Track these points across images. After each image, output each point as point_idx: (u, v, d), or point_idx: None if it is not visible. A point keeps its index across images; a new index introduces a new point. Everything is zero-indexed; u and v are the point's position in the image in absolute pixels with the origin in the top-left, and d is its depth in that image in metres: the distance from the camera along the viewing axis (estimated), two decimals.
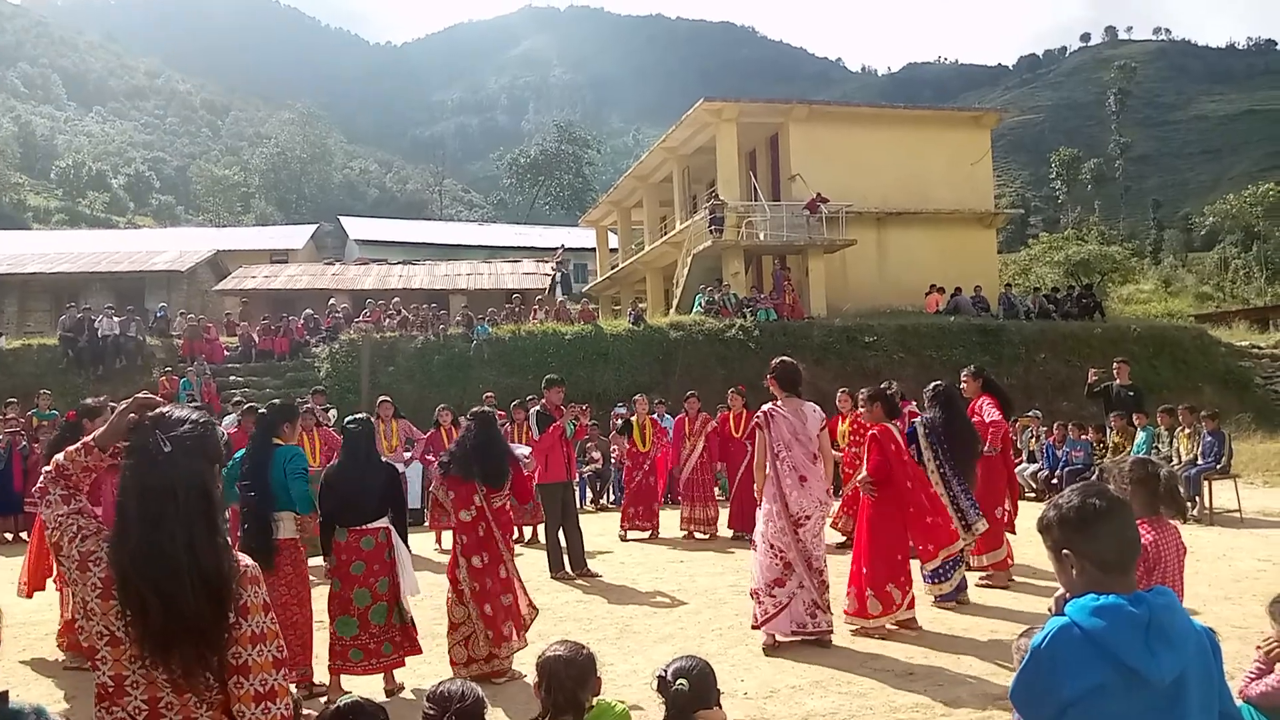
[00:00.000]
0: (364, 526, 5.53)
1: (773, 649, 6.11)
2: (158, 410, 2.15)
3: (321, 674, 5.66)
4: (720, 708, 3.10)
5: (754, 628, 6.31)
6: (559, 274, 25.32)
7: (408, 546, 5.71)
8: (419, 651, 5.68)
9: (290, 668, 5.34)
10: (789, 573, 6.17)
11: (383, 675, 5.56)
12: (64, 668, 6.16)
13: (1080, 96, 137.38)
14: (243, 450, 5.89)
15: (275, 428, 5.77)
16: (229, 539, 2.13)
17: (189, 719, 2.02)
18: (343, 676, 5.50)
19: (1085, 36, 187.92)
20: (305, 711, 2.38)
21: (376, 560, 5.51)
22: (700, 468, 11.64)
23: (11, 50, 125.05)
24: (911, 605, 6.56)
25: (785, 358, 6.63)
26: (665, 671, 3.05)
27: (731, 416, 11.74)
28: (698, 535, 11.38)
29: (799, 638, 6.17)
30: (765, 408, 6.45)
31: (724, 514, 11.67)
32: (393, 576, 5.52)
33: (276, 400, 6.08)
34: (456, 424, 11.95)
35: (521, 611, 5.87)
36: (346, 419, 5.98)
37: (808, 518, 6.19)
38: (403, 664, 5.60)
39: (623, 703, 3.25)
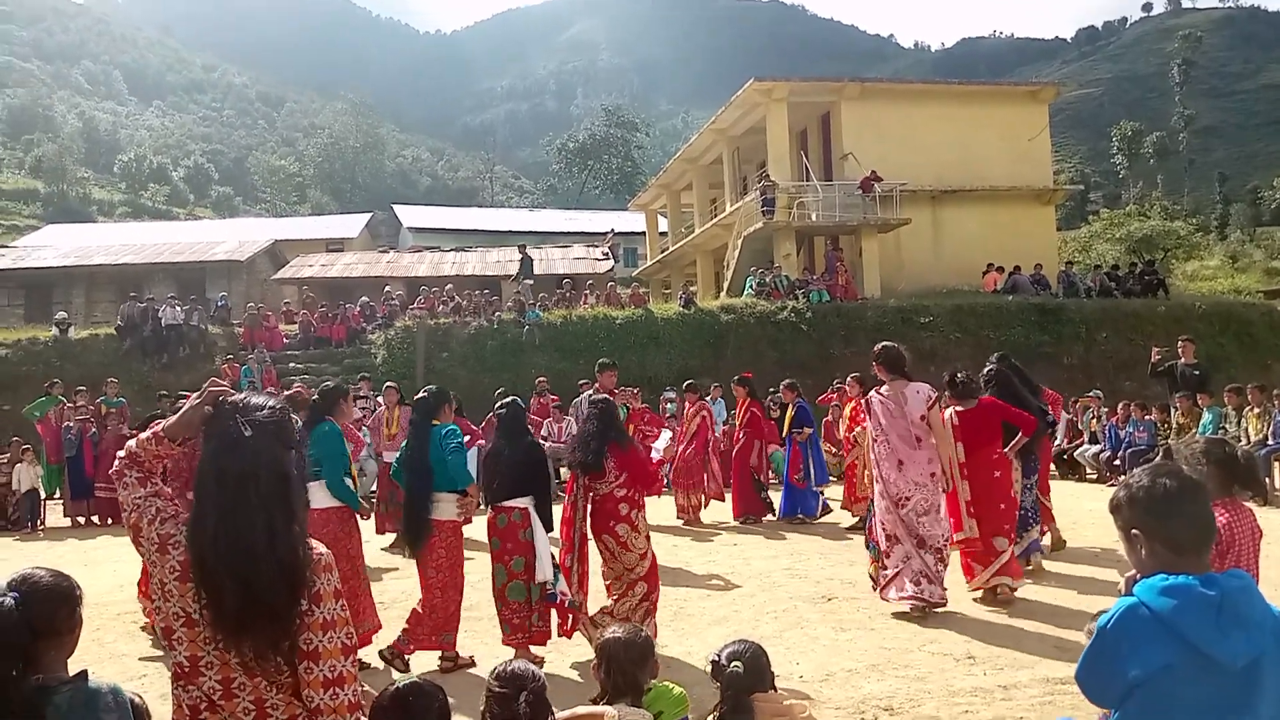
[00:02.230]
0: (500, 504, 5.72)
1: (899, 615, 6.36)
2: (238, 396, 2.18)
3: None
4: (775, 691, 3.08)
5: (876, 591, 6.67)
6: (522, 256, 25.16)
7: (548, 530, 5.80)
8: (549, 635, 5.71)
9: (437, 647, 5.49)
10: (893, 545, 6.44)
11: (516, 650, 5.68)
12: (155, 646, 6.29)
13: (1141, 68, 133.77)
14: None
15: (435, 410, 5.95)
16: (305, 526, 2.15)
17: (260, 700, 2.05)
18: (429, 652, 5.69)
19: (1147, 6, 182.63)
20: (365, 688, 2.42)
21: (510, 539, 5.67)
22: (690, 456, 11.51)
23: (75, 49, 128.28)
24: (1006, 573, 6.71)
25: (887, 342, 6.88)
26: (719, 655, 3.04)
27: (738, 405, 11.65)
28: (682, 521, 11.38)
29: (908, 604, 6.35)
30: (869, 394, 6.66)
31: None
32: (529, 557, 5.63)
33: (434, 388, 6.21)
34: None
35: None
36: (498, 404, 6.26)
37: (907, 499, 6.40)
38: (542, 642, 5.66)
39: (679, 685, 3.26)
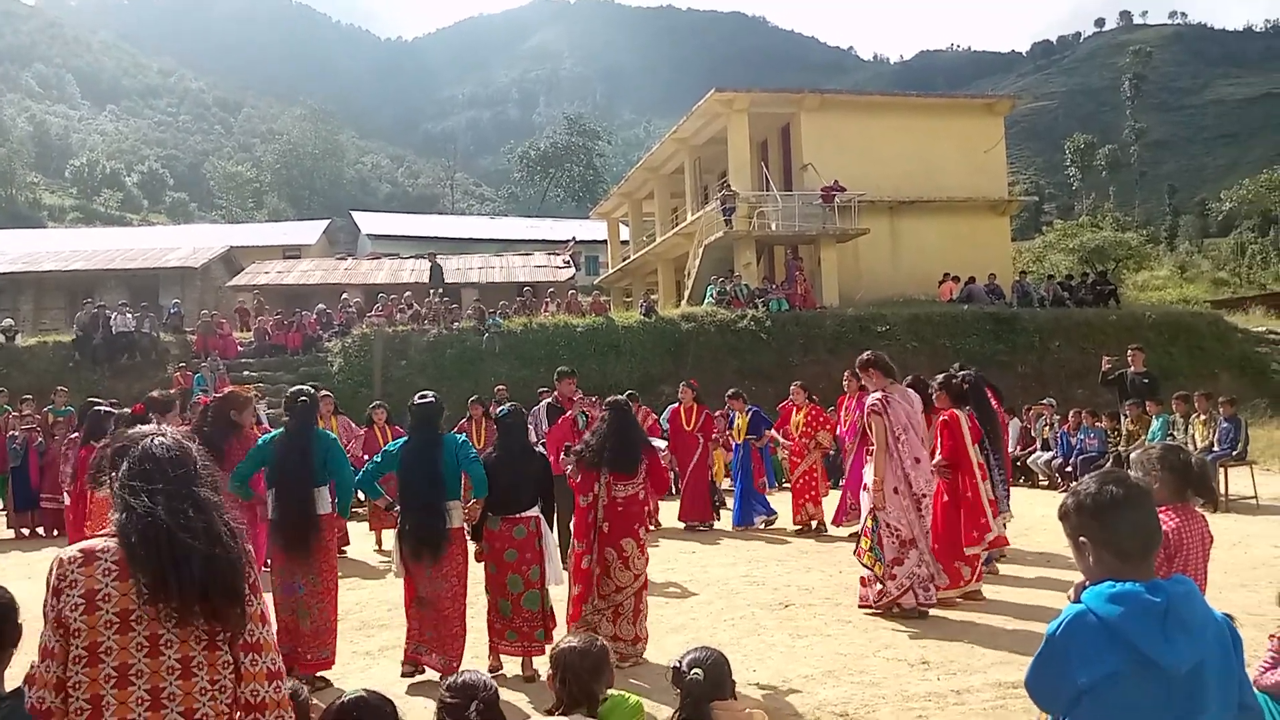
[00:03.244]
0: (517, 515, 5.66)
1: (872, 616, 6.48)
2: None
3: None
4: (735, 698, 3.08)
5: (860, 606, 6.65)
6: (432, 264, 25.27)
7: (554, 535, 5.84)
8: (543, 650, 5.61)
9: (444, 654, 5.41)
10: (906, 550, 6.44)
11: (521, 661, 5.65)
12: None
13: (1095, 82, 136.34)
14: (396, 443, 5.97)
15: (438, 416, 5.82)
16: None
17: (190, 710, 2.04)
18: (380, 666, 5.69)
19: (1100, 22, 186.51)
20: (314, 701, 2.38)
21: (528, 548, 5.65)
22: None
23: (26, 51, 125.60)
24: (980, 578, 7.00)
25: (871, 350, 7.09)
26: (680, 663, 3.04)
27: (683, 410, 11.56)
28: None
29: (917, 610, 6.48)
30: (877, 395, 6.68)
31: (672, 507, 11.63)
32: (543, 565, 5.65)
33: (430, 394, 5.95)
34: (487, 415, 11.96)
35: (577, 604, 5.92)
36: (499, 410, 6.13)
37: (925, 496, 6.54)
38: (543, 652, 5.52)
39: (636, 696, 3.24)
